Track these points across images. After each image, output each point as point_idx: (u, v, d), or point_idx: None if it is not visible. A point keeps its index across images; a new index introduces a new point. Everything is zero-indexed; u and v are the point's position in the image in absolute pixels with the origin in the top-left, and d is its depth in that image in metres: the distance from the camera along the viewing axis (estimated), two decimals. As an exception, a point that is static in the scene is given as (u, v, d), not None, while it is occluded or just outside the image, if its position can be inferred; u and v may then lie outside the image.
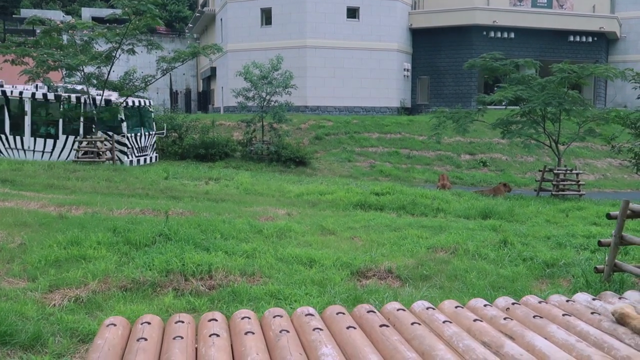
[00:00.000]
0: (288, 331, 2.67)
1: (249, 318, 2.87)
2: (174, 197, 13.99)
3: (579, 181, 19.50)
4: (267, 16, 36.11)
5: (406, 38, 38.13)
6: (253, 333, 2.65)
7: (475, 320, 2.79)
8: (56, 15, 41.81)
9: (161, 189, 15.23)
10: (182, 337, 2.59)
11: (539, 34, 37.46)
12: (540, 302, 3.00)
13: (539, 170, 20.95)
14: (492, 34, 37.02)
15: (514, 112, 20.60)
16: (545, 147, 21.73)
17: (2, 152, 22.87)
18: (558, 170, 19.34)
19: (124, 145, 22.12)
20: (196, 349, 2.58)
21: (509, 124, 20.29)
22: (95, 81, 23.78)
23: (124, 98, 22.56)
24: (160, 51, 25.39)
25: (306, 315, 2.88)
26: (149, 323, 2.70)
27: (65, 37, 24.95)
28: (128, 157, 22.14)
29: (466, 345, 2.49)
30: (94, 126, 22.10)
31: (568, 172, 19.53)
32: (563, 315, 2.78)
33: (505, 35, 37.10)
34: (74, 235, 8.33)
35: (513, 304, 2.98)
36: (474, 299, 3.05)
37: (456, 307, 3.00)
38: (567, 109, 18.64)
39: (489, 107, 22.44)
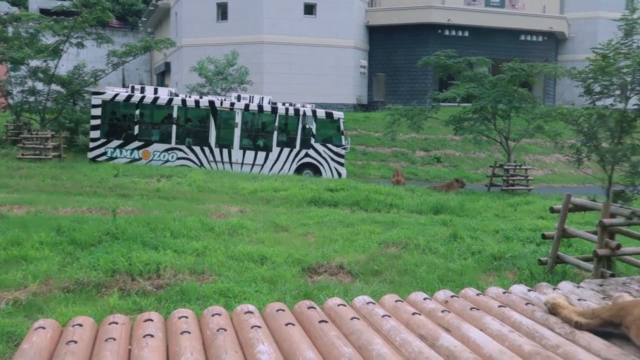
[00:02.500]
0: (226, 329, 2.62)
1: (187, 317, 2.81)
2: (123, 195, 13.71)
3: (527, 176, 19.98)
4: (223, 11, 35.73)
5: (363, 35, 38.32)
6: (189, 332, 2.60)
7: (414, 313, 2.80)
8: (1, 7, 40.46)
9: (110, 186, 14.91)
10: (114, 339, 2.52)
11: (492, 33, 38.14)
12: (478, 295, 3.04)
13: (490, 166, 21.37)
14: (447, 33, 37.51)
15: (466, 109, 20.93)
16: (496, 144, 22.17)
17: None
18: (508, 166, 19.76)
19: None
20: (129, 350, 2.52)
21: (462, 120, 20.61)
22: (42, 75, 23.05)
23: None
24: (111, 45, 24.84)
25: (245, 313, 2.85)
26: (80, 325, 2.61)
27: (10, 29, 24.12)
28: None
29: (403, 339, 2.49)
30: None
31: (517, 167, 19.98)
32: (499, 306, 2.81)
33: (460, 33, 37.65)
34: (14, 235, 8.06)
35: (452, 296, 3.01)
36: (414, 293, 3.07)
37: (396, 301, 3.00)
38: (516, 106, 19.07)
39: (442, 104, 22.75)
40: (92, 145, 21.14)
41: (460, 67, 20.59)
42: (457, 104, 22.60)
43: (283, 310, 2.87)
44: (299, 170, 21.71)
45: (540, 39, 40.01)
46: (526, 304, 2.86)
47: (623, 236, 7.76)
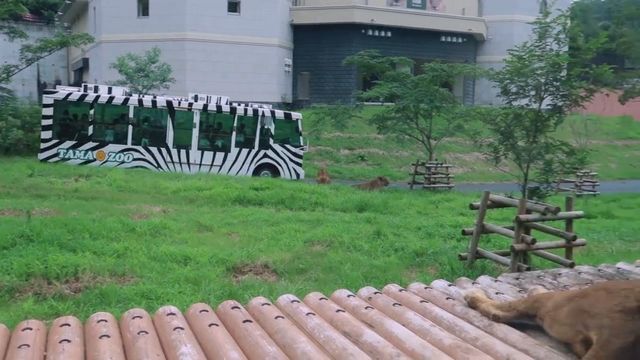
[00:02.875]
0: (147, 332, 2.54)
1: (106, 321, 2.70)
2: (39, 195, 13.09)
3: (448, 174, 20.60)
4: (144, 6, 34.80)
5: (287, 33, 38.32)
6: (109, 336, 2.49)
7: (338, 310, 2.80)
8: None
9: (25, 187, 14.21)
10: (28, 345, 2.39)
11: (414, 34, 39.03)
12: (400, 290, 3.08)
13: (413, 164, 21.89)
14: (370, 33, 38.08)
15: (389, 109, 21.33)
16: (418, 142, 22.72)
17: None
18: (429, 164, 20.29)
19: None
20: (45, 357, 2.39)
21: (385, 120, 20.98)
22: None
23: None
24: (25, 40, 23.68)
25: (168, 314, 2.76)
26: (-11, 332, 2.46)
27: None
28: None
29: (327, 336, 2.49)
30: None
31: (439, 165, 20.55)
32: (421, 302, 2.87)
33: (383, 34, 38.31)
34: None
35: (375, 293, 3.04)
36: (339, 290, 3.08)
37: (320, 299, 3.00)
38: (437, 106, 19.60)
39: (366, 103, 23.09)
40: (43, 146, 20.29)
41: (383, 67, 20.97)
42: (380, 103, 23.00)
43: (207, 311, 2.82)
44: (257, 171, 21.59)
45: (460, 40, 41.33)
46: (447, 298, 2.93)
47: (538, 231, 8.13)
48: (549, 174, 10.48)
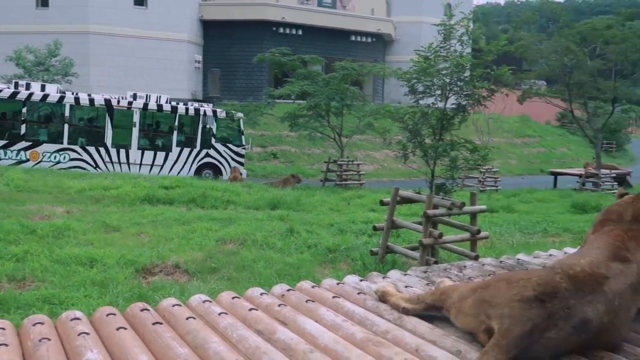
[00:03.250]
0: (49, 339, 2.41)
1: (3, 329, 2.54)
2: None
3: (359, 171, 20.98)
4: (43, -4, 33.15)
5: (197, 29, 37.64)
6: (7, 345, 2.35)
7: (250, 309, 2.78)
8: None
9: None
10: None
11: (325, 33, 39.42)
12: (313, 287, 3.10)
13: (324, 162, 22.12)
14: (281, 30, 38.10)
15: (301, 107, 21.44)
16: (330, 140, 22.98)
17: None
18: (341, 161, 20.59)
19: None
20: None
21: (297, 117, 21.09)
22: None
23: None
24: None
25: (72, 319, 2.64)
26: None
27: None
28: None
29: (240, 335, 2.47)
30: None
31: (350, 163, 20.89)
32: (333, 297, 2.90)
33: (294, 32, 38.45)
34: None
35: (288, 290, 3.04)
36: (251, 289, 3.06)
37: (233, 297, 2.97)
38: (348, 104, 19.91)
39: (278, 100, 23.08)
40: None
41: (294, 65, 21.06)
42: (292, 101, 23.07)
43: (114, 315, 2.71)
44: (199, 170, 21.23)
45: (370, 40, 42.16)
46: (358, 293, 2.97)
47: (445, 225, 8.43)
48: (454, 171, 10.89)
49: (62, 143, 19.89)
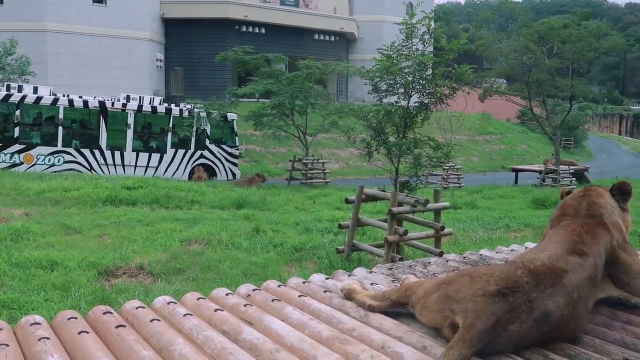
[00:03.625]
0: (8, 345, 2.35)
1: (-41, 337, 2.47)
2: None
3: (325, 170, 21.01)
4: (-3, -7, 32.26)
5: (159, 28, 37.16)
6: (-37, 353, 2.29)
7: (216, 310, 2.76)
8: None
9: None
10: None
11: (288, 31, 39.33)
12: (279, 286, 3.09)
13: (290, 161, 22.09)
14: (244, 29, 37.88)
15: (265, 106, 21.37)
16: (295, 139, 22.96)
17: None
18: (306, 160, 20.58)
19: None
20: None
21: (261, 116, 21.01)
22: None
23: None
24: None
25: (32, 324, 2.58)
26: None
27: None
28: None
29: (206, 337, 2.45)
30: None
31: (315, 161, 20.90)
32: (299, 296, 2.89)
33: (257, 30, 38.25)
34: None
35: (254, 290, 3.03)
36: (217, 289, 3.03)
37: (199, 299, 2.95)
38: (312, 103, 19.90)
39: (242, 99, 22.95)
40: None
41: (258, 63, 20.97)
42: (256, 100, 22.96)
43: (76, 319, 2.66)
44: (194, 172, 21.25)
45: (333, 39, 42.24)
46: (325, 292, 2.98)
47: (410, 223, 8.50)
48: (418, 168, 10.97)
49: (56, 146, 19.72)
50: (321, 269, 7.93)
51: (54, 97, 19.85)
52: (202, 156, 21.59)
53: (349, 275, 3.35)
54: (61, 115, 19.74)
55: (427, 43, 10.30)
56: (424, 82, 10.12)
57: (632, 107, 75.55)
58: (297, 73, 20.97)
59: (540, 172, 25.11)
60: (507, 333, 2.09)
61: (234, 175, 22.13)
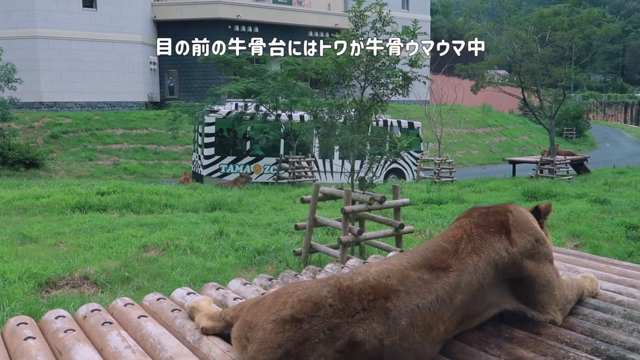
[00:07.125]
0: None
1: None
2: None
3: (312, 168, 20.61)
4: (-16, 1, 32.04)
5: (151, 30, 36.85)
6: None
7: (26, 338, 2.43)
8: None
9: None
10: None
11: (281, 29, 38.87)
12: (126, 305, 2.73)
13: (276, 160, 21.71)
14: (236, 28, 37.48)
15: (246, 106, 21.04)
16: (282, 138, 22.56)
17: None
18: (292, 158, 20.21)
19: None
20: None
21: (242, 117, 20.65)
22: None
23: None
24: None
25: None
26: None
27: None
28: None
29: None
30: None
31: (302, 159, 20.51)
32: (138, 317, 2.53)
33: (250, 29, 37.83)
34: None
35: (93, 310, 2.67)
36: (49, 311, 2.66)
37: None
38: (294, 100, 19.51)
39: (231, 100, 22.59)
40: (206, 162, 20.82)
41: (240, 62, 20.60)
42: (242, 100, 22.48)
43: None
44: (387, 176, 22.56)
45: (328, 35, 41.74)
46: (172, 310, 2.62)
47: (373, 221, 8.11)
48: (372, 163, 10.44)
49: (278, 156, 21.35)
50: (279, 272, 7.56)
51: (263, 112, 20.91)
52: (394, 161, 21.93)
53: (217, 289, 2.98)
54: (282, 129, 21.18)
55: (378, 31, 9.84)
56: (375, 73, 9.65)
57: (636, 95, 74.47)
58: (277, 70, 20.68)
59: (536, 163, 24.57)
60: None
61: (418, 176, 23.22)
